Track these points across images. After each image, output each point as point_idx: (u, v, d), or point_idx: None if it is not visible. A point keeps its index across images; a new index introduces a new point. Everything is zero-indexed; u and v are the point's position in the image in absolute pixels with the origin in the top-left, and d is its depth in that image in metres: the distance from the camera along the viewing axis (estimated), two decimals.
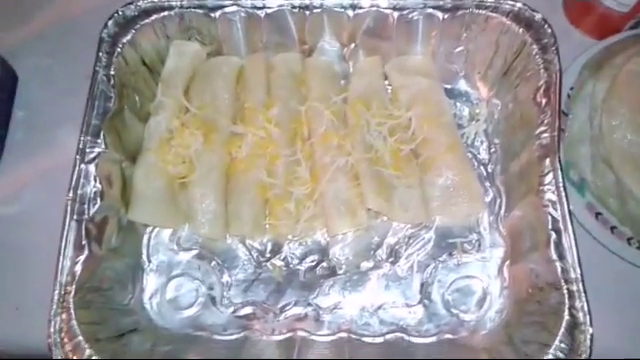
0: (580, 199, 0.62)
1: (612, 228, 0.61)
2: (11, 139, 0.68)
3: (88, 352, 0.51)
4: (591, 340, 0.49)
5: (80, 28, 0.68)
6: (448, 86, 0.68)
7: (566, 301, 0.50)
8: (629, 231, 0.60)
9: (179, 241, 0.63)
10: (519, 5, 0.62)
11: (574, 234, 0.52)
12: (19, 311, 0.61)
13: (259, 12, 0.63)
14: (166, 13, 0.63)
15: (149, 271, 0.62)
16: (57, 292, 0.52)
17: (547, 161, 0.55)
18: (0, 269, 0.63)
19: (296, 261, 0.62)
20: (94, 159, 0.57)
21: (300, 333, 0.59)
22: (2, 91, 0.66)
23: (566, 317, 0.50)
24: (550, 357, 0.49)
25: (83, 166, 0.56)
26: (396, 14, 0.63)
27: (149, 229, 0.63)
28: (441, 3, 0.62)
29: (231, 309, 0.60)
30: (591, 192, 0.62)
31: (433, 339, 0.58)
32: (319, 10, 0.63)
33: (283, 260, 0.62)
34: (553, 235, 0.53)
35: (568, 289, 0.51)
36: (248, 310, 0.60)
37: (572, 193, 0.62)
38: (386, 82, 0.68)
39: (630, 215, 0.59)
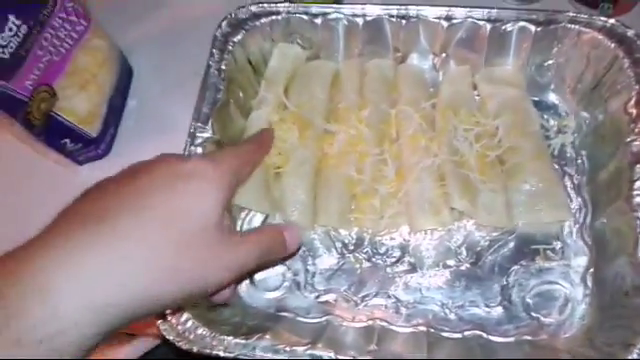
0: None
1: None
2: (123, 125, 0.75)
3: (186, 315, 0.55)
4: None
5: (191, 30, 0.74)
6: (536, 98, 0.70)
7: None
8: None
9: None
10: (612, 21, 0.63)
11: None
12: None
13: (358, 19, 0.68)
14: (274, 17, 0.68)
15: None
16: None
17: (637, 167, 0.56)
18: None
19: (378, 255, 0.65)
20: (202, 143, 0.62)
21: (379, 322, 0.61)
22: (119, 83, 0.73)
23: None
24: (635, 357, 0.49)
25: (192, 148, 0.61)
26: (489, 26, 0.66)
27: (244, 214, 0.67)
28: (534, 17, 0.65)
29: (314, 295, 0.63)
30: None
31: (511, 339, 0.59)
32: (415, 20, 0.67)
33: (366, 253, 0.65)
34: None
35: None
36: (330, 297, 0.63)
37: None
38: (475, 92, 0.71)
39: None
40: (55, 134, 0.66)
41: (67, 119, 0.65)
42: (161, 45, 0.79)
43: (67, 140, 0.67)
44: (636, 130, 0.58)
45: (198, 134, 0.62)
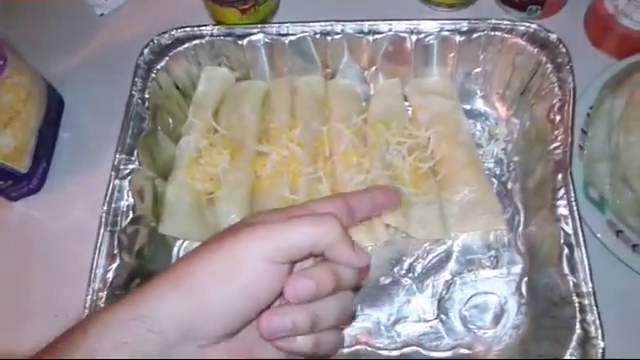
0: (601, 217, 0.62)
1: (634, 246, 0.60)
2: (56, 158, 0.73)
3: None
4: (603, 354, 0.49)
5: (122, 57, 0.72)
6: (467, 107, 0.70)
7: (577, 315, 0.50)
8: None
9: None
10: (534, 26, 0.63)
11: (586, 248, 0.52)
12: (57, 318, 0.65)
13: (283, 39, 0.67)
14: (197, 41, 0.67)
15: None
16: (89, 298, 0.56)
17: (559, 176, 0.56)
18: (44, 278, 0.67)
19: None
20: (128, 175, 0.61)
21: None
22: (48, 116, 0.72)
23: (577, 331, 0.50)
24: None
25: (117, 181, 0.60)
26: (414, 38, 0.65)
27: (179, 241, 0.66)
28: (458, 26, 0.65)
29: None
30: (611, 210, 0.61)
31: (449, 353, 0.59)
32: (339, 36, 0.66)
33: None
34: (565, 249, 0.53)
35: (580, 303, 0.51)
36: None
37: (593, 211, 0.62)
38: (407, 103, 0.71)
39: None
40: None
41: None
42: (92, 74, 0.78)
43: None
44: (559, 137, 0.58)
45: (122, 166, 0.61)
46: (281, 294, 0.40)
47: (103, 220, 0.59)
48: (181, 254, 0.66)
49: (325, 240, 0.40)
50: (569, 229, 0.53)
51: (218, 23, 0.76)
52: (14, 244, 0.70)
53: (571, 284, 0.52)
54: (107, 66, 0.78)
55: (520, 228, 0.63)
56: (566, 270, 0.52)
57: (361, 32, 0.66)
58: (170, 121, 0.68)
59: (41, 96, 0.71)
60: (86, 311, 0.56)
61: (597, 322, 0.50)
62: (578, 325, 0.50)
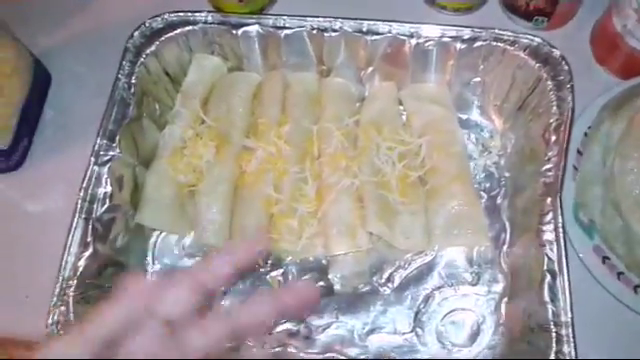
0: (588, 242, 0.60)
1: (619, 274, 0.59)
2: (39, 136, 0.72)
3: None
4: None
5: (113, 37, 0.70)
6: (463, 116, 0.68)
7: (553, 345, 0.49)
8: (636, 278, 0.58)
9: (184, 246, 0.65)
10: (538, 40, 0.61)
11: (569, 277, 0.51)
12: (29, 299, 0.63)
13: (279, 32, 0.65)
14: (190, 27, 0.65)
15: (152, 273, 0.63)
16: (58, 285, 0.55)
17: (549, 200, 0.54)
18: (18, 260, 0.66)
19: (294, 277, 0.63)
20: (107, 162, 0.59)
21: (290, 349, 0.59)
22: (33, 92, 0.70)
23: None
24: None
25: (96, 168, 0.59)
26: (413, 41, 0.63)
27: (156, 233, 0.65)
28: (459, 34, 0.62)
29: None
30: (599, 235, 0.60)
31: None
32: (337, 34, 0.64)
33: (282, 275, 0.63)
34: (548, 276, 0.52)
35: (557, 332, 0.50)
36: None
37: (581, 235, 0.60)
38: (401, 108, 0.69)
39: (637, 262, 0.57)
40: None
41: None
42: (83, 52, 0.76)
43: None
44: (552, 159, 0.56)
45: (103, 152, 0.59)
46: None
47: (78, 206, 0.57)
48: (158, 246, 0.65)
49: None
50: (553, 256, 0.52)
51: (216, 10, 0.73)
52: None
53: (550, 312, 0.50)
54: (98, 45, 0.75)
55: (505, 246, 0.61)
56: (546, 297, 0.51)
57: (359, 31, 0.64)
58: (157, 108, 0.67)
59: (27, 72, 0.68)
60: (54, 298, 0.54)
61: (572, 353, 0.49)
62: (553, 355, 0.49)
